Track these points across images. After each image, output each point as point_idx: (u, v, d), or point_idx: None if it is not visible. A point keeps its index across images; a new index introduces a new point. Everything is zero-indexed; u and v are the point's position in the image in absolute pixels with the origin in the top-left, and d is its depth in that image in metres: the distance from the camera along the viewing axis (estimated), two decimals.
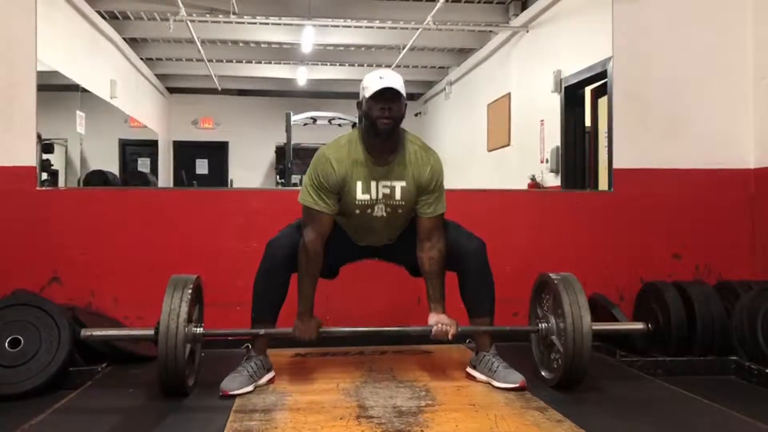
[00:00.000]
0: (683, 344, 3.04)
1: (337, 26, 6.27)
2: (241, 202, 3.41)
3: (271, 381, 2.58)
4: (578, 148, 4.84)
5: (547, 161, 5.14)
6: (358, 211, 2.49)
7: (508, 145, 6.02)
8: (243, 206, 3.38)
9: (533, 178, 5.31)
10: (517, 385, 2.44)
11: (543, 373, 2.62)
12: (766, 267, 3.43)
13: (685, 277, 3.36)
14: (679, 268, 3.45)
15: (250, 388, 2.45)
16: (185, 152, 8.98)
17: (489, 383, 2.52)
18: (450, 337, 2.44)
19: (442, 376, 2.70)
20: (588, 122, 4.76)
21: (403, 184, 2.47)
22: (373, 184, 2.46)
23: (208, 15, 5.72)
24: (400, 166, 2.47)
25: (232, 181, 8.92)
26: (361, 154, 2.45)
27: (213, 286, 2.88)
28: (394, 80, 2.35)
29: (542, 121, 5.25)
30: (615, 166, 3.55)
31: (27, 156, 3.20)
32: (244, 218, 3.35)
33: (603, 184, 3.97)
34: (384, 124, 2.35)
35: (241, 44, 7.24)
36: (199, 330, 2.48)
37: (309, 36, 6.69)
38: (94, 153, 5.68)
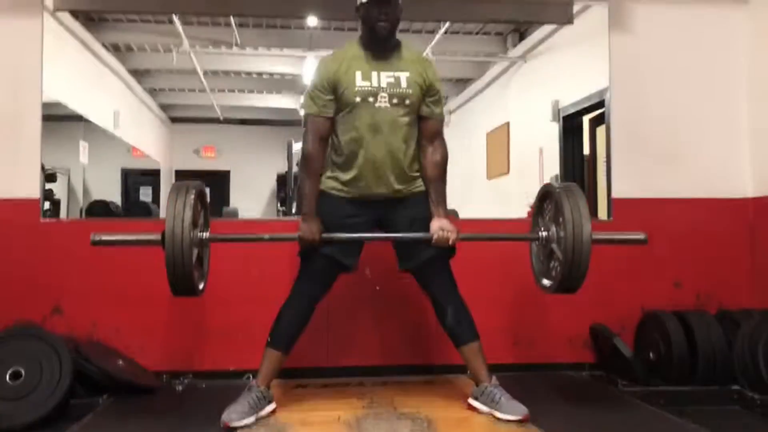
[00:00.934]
0: (685, 374, 3.04)
1: None
2: (245, 233, 3.42)
3: (272, 412, 2.56)
4: (577, 176, 4.86)
5: None
6: (359, 99, 2.47)
7: (508, 173, 6.05)
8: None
9: (532, 207, 5.32)
10: (520, 417, 2.43)
11: (543, 281, 2.60)
12: (766, 296, 3.43)
13: (685, 306, 3.37)
14: (680, 296, 3.45)
15: (251, 419, 2.44)
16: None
17: (492, 414, 2.51)
18: (451, 242, 2.47)
19: (444, 407, 2.69)
20: (586, 150, 4.80)
21: (407, 74, 2.51)
22: (374, 74, 2.49)
23: (211, 47, 5.80)
24: (401, 60, 2.54)
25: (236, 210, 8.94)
26: (360, 51, 2.53)
27: (215, 316, 2.89)
28: None
29: (541, 149, 5.28)
30: (614, 195, 3.58)
31: (31, 188, 3.23)
32: (246, 248, 3.36)
33: (602, 210, 3.98)
34: (381, 27, 2.45)
35: (243, 75, 7.31)
36: (206, 235, 2.46)
37: (310, 67, 6.76)
38: (97, 182, 5.71)
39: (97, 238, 2.41)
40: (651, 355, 3.23)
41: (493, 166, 6.40)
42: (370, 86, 2.48)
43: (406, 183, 2.59)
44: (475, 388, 2.64)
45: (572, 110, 4.71)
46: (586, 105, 4.40)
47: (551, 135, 5.02)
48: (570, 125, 4.85)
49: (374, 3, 2.44)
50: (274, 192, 9.13)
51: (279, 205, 8.74)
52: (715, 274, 3.53)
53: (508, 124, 6.05)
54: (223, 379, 3.11)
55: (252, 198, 9.03)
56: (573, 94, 4.62)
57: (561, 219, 2.40)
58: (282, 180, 8.28)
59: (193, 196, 2.29)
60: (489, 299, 3.10)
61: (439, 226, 2.49)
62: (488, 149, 6.57)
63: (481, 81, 6.76)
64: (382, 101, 2.48)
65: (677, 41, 3.65)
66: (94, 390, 2.78)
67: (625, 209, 3.53)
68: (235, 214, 7.45)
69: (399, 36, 2.58)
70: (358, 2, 2.50)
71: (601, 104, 3.99)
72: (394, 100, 2.49)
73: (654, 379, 3.13)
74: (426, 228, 2.53)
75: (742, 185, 3.61)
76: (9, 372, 2.55)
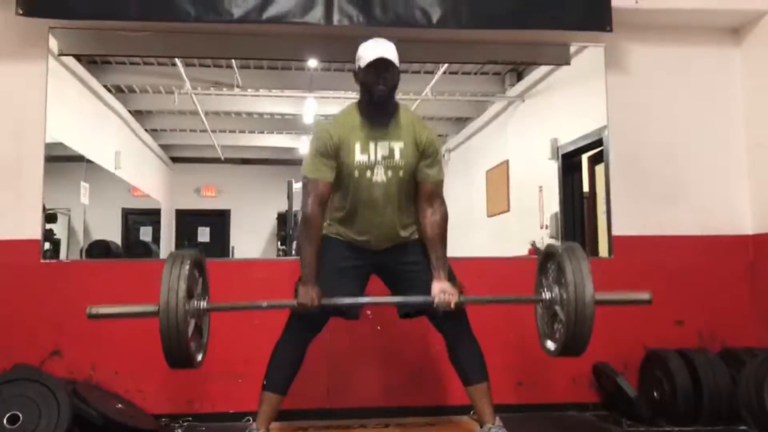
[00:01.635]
0: (690, 413, 3.01)
1: (338, 98, 6.41)
2: (243, 273, 3.43)
3: None
4: (577, 214, 4.88)
5: (546, 227, 5.17)
6: (357, 173, 2.48)
7: (508, 211, 6.07)
8: (245, 276, 3.39)
9: (534, 244, 5.33)
10: None
11: (547, 345, 2.56)
12: None
13: (688, 344, 3.35)
14: (682, 334, 3.43)
15: None
16: (187, 220, 9.03)
17: None
18: (452, 306, 2.43)
19: None
20: (586, 188, 4.82)
21: (401, 145, 2.50)
22: (371, 144, 2.49)
23: (212, 88, 5.86)
24: (397, 128, 2.52)
25: (233, 248, 8.94)
26: (358, 119, 2.52)
27: (214, 359, 2.86)
28: (388, 50, 2.43)
29: (540, 187, 5.30)
30: (614, 233, 3.59)
31: (32, 229, 3.24)
32: (246, 289, 3.35)
33: (603, 248, 3.98)
34: (380, 92, 2.43)
35: (244, 115, 7.38)
36: (204, 304, 2.43)
37: (310, 107, 6.83)
38: (97, 222, 5.72)
39: (94, 311, 2.38)
40: (655, 394, 3.20)
41: (493, 203, 6.43)
42: (368, 160, 2.49)
43: (406, 232, 2.61)
44: (479, 429, 2.61)
45: (571, 148, 4.74)
46: (584, 143, 4.43)
47: (551, 173, 5.05)
48: (569, 163, 4.88)
49: (372, 68, 2.41)
50: (274, 231, 9.15)
51: (279, 243, 8.74)
52: (716, 311, 3.52)
53: (507, 162, 6.09)
54: (222, 422, 3.07)
55: (252, 237, 9.04)
56: (571, 132, 4.66)
57: (563, 281, 2.39)
58: (282, 219, 8.30)
59: (188, 267, 2.29)
60: (491, 338, 3.07)
61: (440, 289, 2.47)
62: (488, 187, 6.60)
63: (480, 119, 6.83)
64: (378, 175, 2.50)
65: (673, 81, 3.70)
66: None
67: (625, 247, 3.53)
68: None
69: (401, 79, 2.60)
70: (357, 67, 2.49)
71: (599, 142, 4.02)
72: (389, 173, 2.51)
73: (658, 418, 3.09)
74: (425, 271, 2.53)
75: (742, 222, 3.62)
76: (7, 416, 2.52)
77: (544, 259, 2.62)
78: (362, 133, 2.50)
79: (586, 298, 2.32)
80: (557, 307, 2.46)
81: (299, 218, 2.54)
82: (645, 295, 2.54)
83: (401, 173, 2.51)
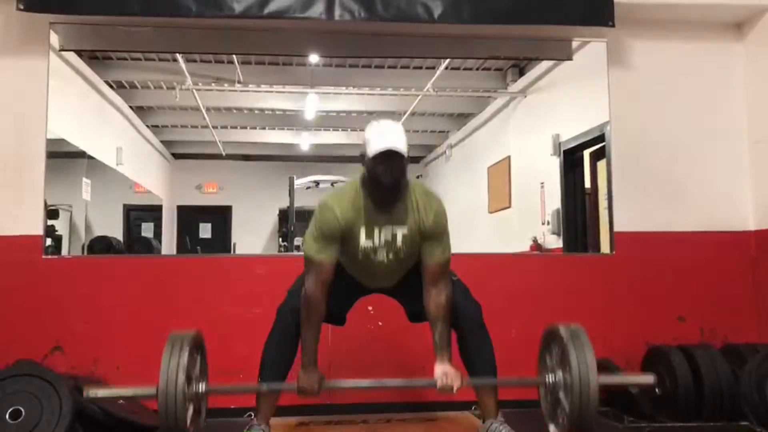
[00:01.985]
0: (692, 409, 3.01)
1: (339, 93, 6.41)
2: (245, 269, 3.43)
3: None
4: (579, 210, 4.87)
5: (548, 223, 5.16)
6: (361, 257, 2.48)
7: (509, 207, 6.06)
8: (246, 272, 3.40)
9: (535, 240, 5.32)
10: None
11: (551, 428, 2.55)
12: None
13: (690, 340, 3.34)
14: (684, 331, 3.43)
15: None
16: (189, 217, 9.03)
17: None
18: (455, 390, 2.38)
19: None
20: (588, 184, 4.82)
21: (405, 231, 2.45)
22: (376, 230, 2.44)
23: (213, 84, 5.86)
24: (403, 213, 2.45)
25: (234, 244, 8.94)
26: (365, 201, 2.43)
27: (216, 354, 2.86)
28: (396, 140, 2.32)
29: (542, 183, 5.30)
30: (616, 229, 3.58)
31: (34, 225, 3.24)
32: (247, 284, 3.36)
33: (604, 244, 3.98)
34: (388, 182, 2.34)
35: (245, 111, 7.37)
36: (202, 388, 2.44)
37: (312, 103, 6.83)
38: (99, 218, 5.72)
39: (92, 394, 2.37)
40: (657, 390, 3.19)
41: (495, 199, 6.42)
42: (372, 245, 2.46)
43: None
44: (481, 424, 2.61)
45: (573, 144, 4.74)
46: (586, 139, 4.43)
47: (552, 169, 5.04)
48: (571, 159, 4.88)
49: (380, 159, 2.32)
50: (276, 227, 9.15)
51: (280, 240, 8.75)
52: (718, 308, 3.52)
53: (509, 158, 6.08)
54: (224, 417, 3.07)
55: (254, 233, 9.04)
56: (573, 128, 4.65)
57: (567, 366, 2.38)
58: (284, 215, 8.30)
59: (186, 354, 2.28)
60: (493, 334, 3.07)
61: (443, 372, 2.41)
62: (489, 183, 6.59)
63: (482, 115, 6.82)
64: (380, 256, 2.48)
65: (676, 76, 3.69)
66: (95, 429, 2.74)
67: (627, 243, 3.53)
68: None
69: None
70: (364, 150, 2.38)
71: (601, 138, 4.01)
72: (391, 255, 2.49)
73: (660, 414, 3.09)
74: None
75: (744, 218, 3.62)
76: (9, 411, 2.52)
77: (548, 339, 2.60)
78: (367, 218, 2.44)
79: (590, 387, 2.32)
80: (561, 394, 2.44)
81: (301, 298, 2.46)
82: (649, 379, 2.57)
83: (402, 255, 2.49)
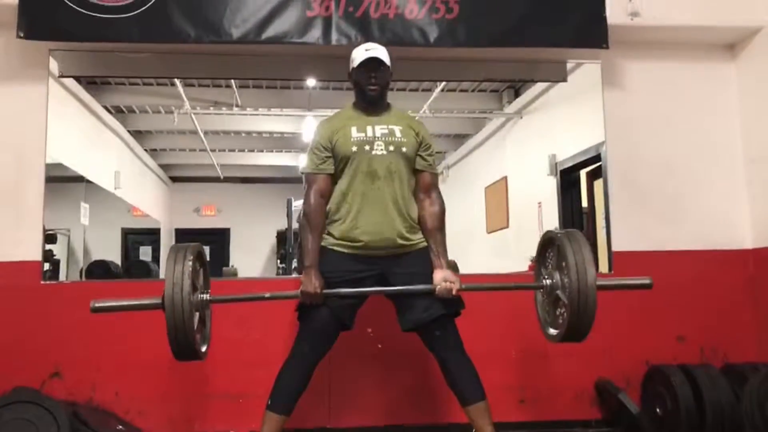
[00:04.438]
0: (693, 429, 3.00)
1: None
2: (244, 292, 3.41)
3: None
4: (576, 229, 4.89)
5: None
6: (355, 149, 2.54)
7: (507, 227, 6.07)
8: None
9: (533, 260, 5.32)
10: None
11: (549, 331, 2.54)
12: None
13: (690, 360, 3.34)
14: (684, 350, 3.43)
15: None
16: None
17: None
18: (454, 292, 2.46)
19: None
20: (585, 203, 4.83)
21: (401, 127, 2.61)
22: (368, 127, 2.58)
23: (211, 107, 5.89)
24: (392, 117, 2.65)
25: (233, 267, 8.93)
26: (354, 113, 2.66)
27: (215, 378, 2.86)
28: (379, 50, 2.59)
29: (539, 203, 5.31)
30: (614, 248, 3.59)
31: (33, 251, 3.25)
32: (247, 308, 3.34)
33: (603, 264, 3.98)
34: (371, 90, 2.58)
35: (243, 134, 7.40)
36: (206, 296, 2.44)
37: (309, 126, 6.85)
38: (97, 242, 5.72)
39: (98, 305, 2.37)
40: (658, 410, 3.19)
41: (493, 220, 6.43)
42: (365, 136, 2.57)
43: (409, 231, 2.59)
44: None
45: (569, 164, 4.76)
46: (582, 159, 4.45)
47: (549, 189, 5.07)
48: (568, 179, 4.90)
49: (364, 67, 2.57)
50: (274, 249, 9.14)
51: (279, 262, 8.73)
52: (718, 327, 3.52)
53: (506, 178, 6.11)
54: None
55: (252, 256, 9.03)
56: (569, 148, 4.68)
57: (564, 264, 2.37)
58: (282, 237, 8.30)
59: (190, 261, 2.28)
60: (493, 356, 3.08)
61: (442, 277, 2.50)
62: (487, 203, 6.61)
63: (478, 136, 6.85)
64: (378, 149, 2.55)
65: (670, 96, 3.72)
66: None
67: (625, 262, 3.54)
68: (234, 273, 7.43)
69: (396, 95, 2.64)
70: (350, 68, 2.63)
71: (597, 158, 4.03)
72: (390, 148, 2.56)
73: None
74: (427, 283, 2.52)
75: (741, 237, 3.63)
76: None
77: (543, 246, 2.60)
78: (358, 119, 2.62)
79: (588, 280, 2.29)
80: (559, 292, 2.43)
81: (302, 210, 2.57)
82: (645, 280, 2.54)
83: (404, 149, 2.58)
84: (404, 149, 2.57)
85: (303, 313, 2.56)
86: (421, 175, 2.65)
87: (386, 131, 2.58)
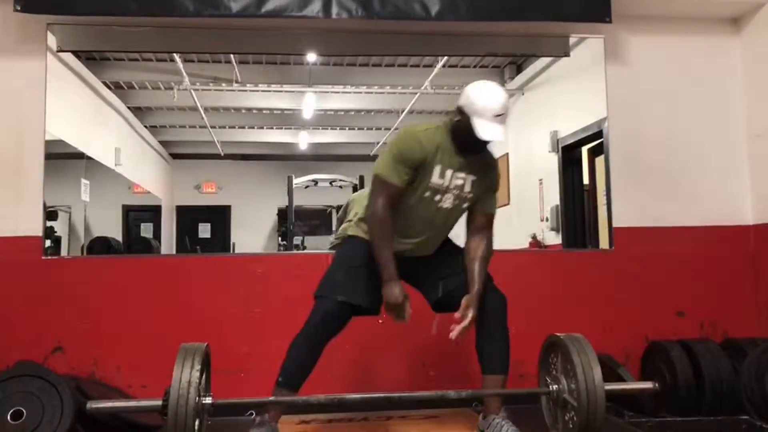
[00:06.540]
0: (692, 404, 3.01)
1: (337, 92, 6.40)
2: (245, 268, 3.43)
3: None
4: (577, 206, 4.88)
5: (547, 220, 5.16)
6: (428, 194, 2.49)
7: (508, 204, 6.06)
8: (246, 271, 3.40)
9: (534, 237, 5.32)
10: None
11: None
12: None
13: (689, 335, 3.35)
14: (684, 325, 3.44)
15: None
16: (188, 217, 9.02)
17: None
18: (466, 323, 2.42)
19: None
20: (586, 180, 4.82)
21: (474, 178, 2.53)
22: (449, 172, 2.49)
23: (211, 84, 5.85)
24: (477, 163, 2.53)
25: (234, 244, 8.94)
26: (446, 142, 2.48)
27: (216, 353, 2.86)
28: (502, 131, 2.38)
29: (541, 180, 5.30)
30: (615, 224, 3.59)
31: (33, 226, 3.25)
32: (247, 283, 3.36)
33: (603, 240, 3.99)
34: (479, 147, 2.48)
35: (243, 111, 7.37)
36: (208, 400, 2.37)
37: (310, 102, 6.82)
38: (98, 219, 5.71)
39: (93, 406, 2.29)
40: (657, 385, 3.20)
41: None
42: (442, 185, 2.50)
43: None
44: (482, 420, 2.62)
45: (571, 141, 4.74)
46: (584, 135, 4.43)
47: (551, 165, 5.05)
48: (569, 156, 4.88)
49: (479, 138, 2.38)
50: (275, 226, 9.15)
51: (279, 239, 8.75)
52: (718, 302, 3.53)
53: (507, 155, 6.08)
54: (225, 416, 3.07)
55: (253, 232, 9.04)
56: (571, 125, 4.66)
57: (571, 372, 2.35)
58: (283, 214, 8.30)
59: (197, 371, 2.21)
60: None
61: (466, 305, 2.46)
62: None
63: None
64: (446, 201, 2.52)
65: (673, 71, 3.69)
66: (96, 429, 2.75)
67: (626, 238, 3.54)
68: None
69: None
70: (467, 105, 2.40)
71: (599, 134, 4.01)
72: (457, 201, 2.54)
73: (661, 409, 3.10)
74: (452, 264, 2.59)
75: (743, 212, 3.63)
76: (10, 412, 2.53)
77: (547, 351, 2.58)
78: (446, 157, 2.48)
79: (595, 379, 2.29)
80: (566, 396, 2.40)
81: (368, 217, 2.48)
82: (647, 384, 2.61)
83: (465, 205, 2.57)
84: (466, 204, 2.57)
85: (322, 296, 2.55)
86: (477, 214, 2.61)
87: (461, 182, 2.51)
